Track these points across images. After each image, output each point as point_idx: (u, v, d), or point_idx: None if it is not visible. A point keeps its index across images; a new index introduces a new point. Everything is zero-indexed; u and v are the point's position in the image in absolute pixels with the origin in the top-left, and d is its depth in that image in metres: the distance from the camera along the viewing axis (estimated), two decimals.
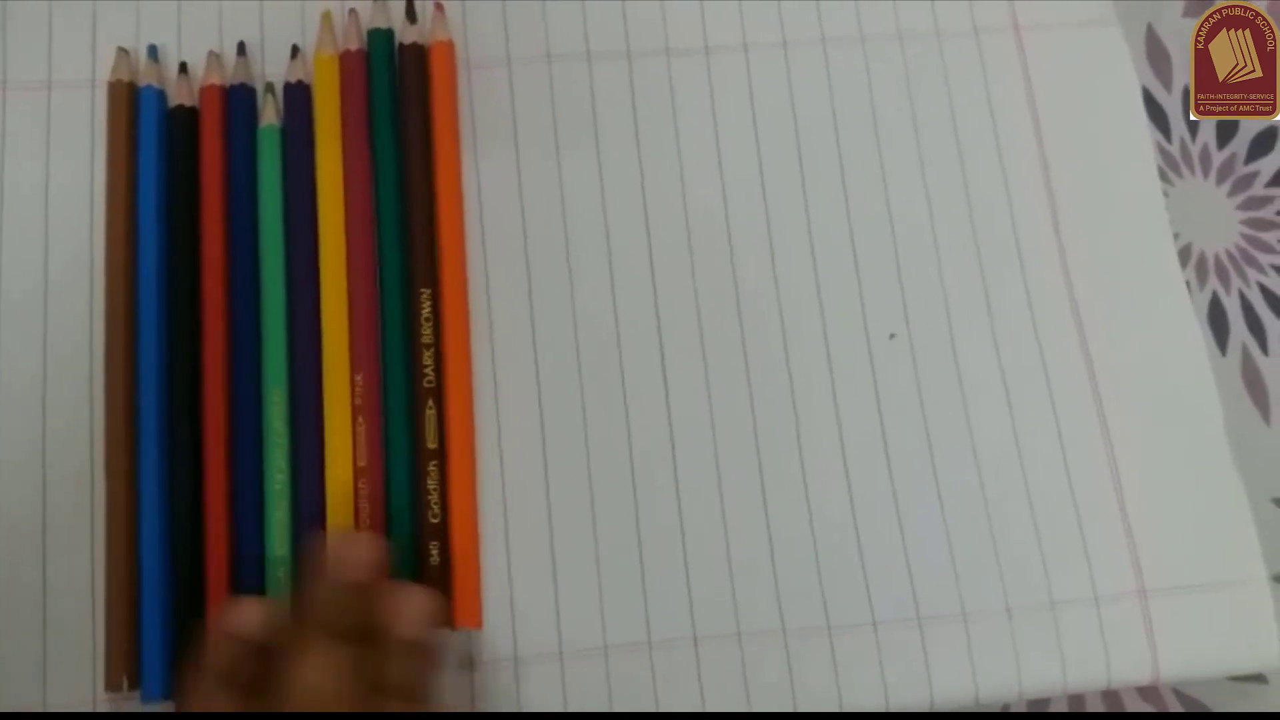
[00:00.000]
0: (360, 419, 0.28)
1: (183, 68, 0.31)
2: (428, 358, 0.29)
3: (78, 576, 0.27)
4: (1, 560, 0.28)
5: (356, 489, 0.28)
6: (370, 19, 0.31)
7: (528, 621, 0.28)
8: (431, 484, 0.28)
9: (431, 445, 0.28)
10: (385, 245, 0.30)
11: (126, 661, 0.27)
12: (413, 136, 0.30)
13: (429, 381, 0.29)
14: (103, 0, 0.32)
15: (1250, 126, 0.33)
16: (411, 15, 0.32)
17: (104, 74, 0.31)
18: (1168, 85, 0.34)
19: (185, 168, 0.30)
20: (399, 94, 0.31)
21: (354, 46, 0.31)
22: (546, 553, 0.28)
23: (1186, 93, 0.34)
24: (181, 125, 0.30)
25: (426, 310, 0.29)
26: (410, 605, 0.24)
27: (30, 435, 0.28)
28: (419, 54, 0.31)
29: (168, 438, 0.28)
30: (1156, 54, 0.34)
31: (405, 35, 0.31)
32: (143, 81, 0.31)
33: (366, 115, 0.30)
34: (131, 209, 0.30)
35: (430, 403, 0.29)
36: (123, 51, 0.31)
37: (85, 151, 0.31)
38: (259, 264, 0.29)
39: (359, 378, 0.28)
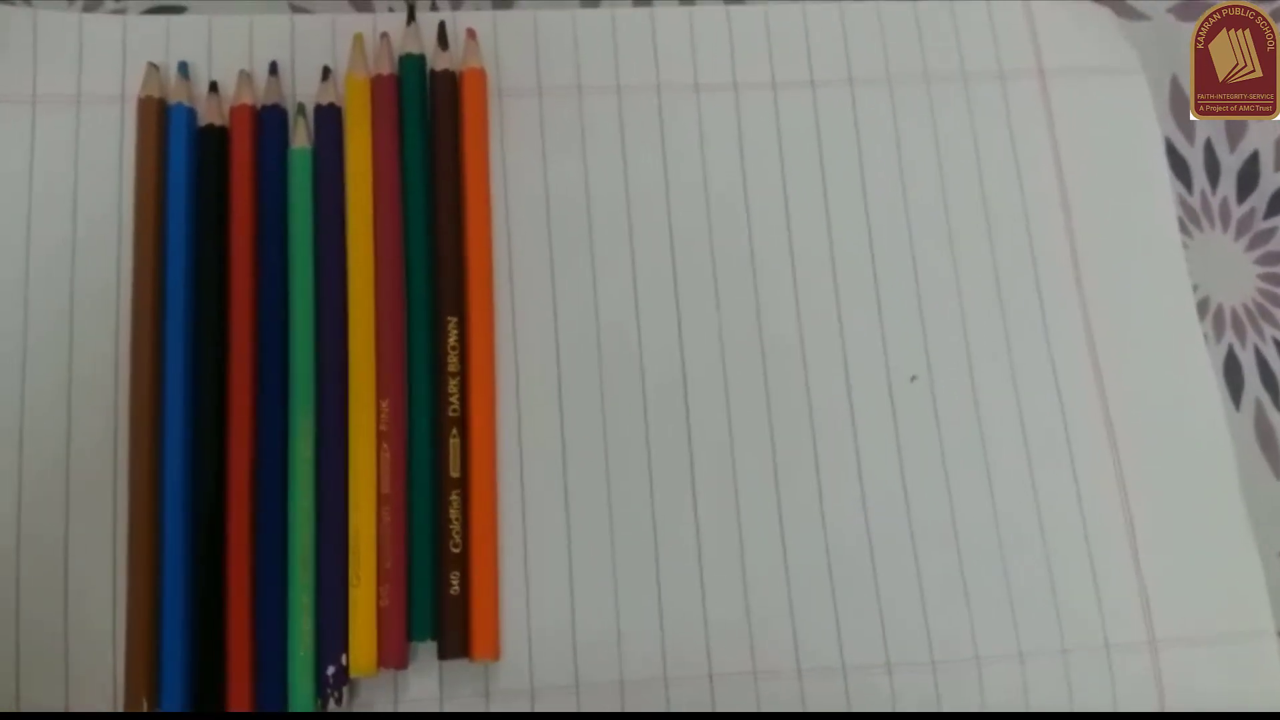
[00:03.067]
0: (385, 445, 0.28)
1: (213, 86, 0.31)
2: (453, 386, 0.29)
3: (100, 597, 0.28)
4: (25, 579, 0.28)
5: (379, 516, 0.28)
6: (402, 44, 0.31)
7: (545, 653, 0.28)
8: (453, 513, 0.28)
9: (455, 474, 0.28)
10: (413, 272, 0.30)
11: (146, 682, 0.27)
12: (443, 164, 0.31)
13: (454, 410, 0.29)
14: (133, 15, 0.32)
15: (1270, 181, 0.34)
16: (444, 42, 0.32)
17: (133, 89, 0.31)
18: (1190, 137, 0.34)
19: (215, 189, 0.30)
20: (430, 121, 0.31)
21: (386, 71, 0.31)
22: (565, 585, 0.29)
23: (1209, 145, 0.34)
24: (211, 145, 0.30)
25: (453, 339, 0.29)
26: None
27: (55, 454, 0.28)
28: (451, 81, 0.31)
29: (192, 459, 0.28)
30: (1180, 105, 0.34)
31: (437, 62, 0.31)
32: (173, 99, 0.31)
33: (397, 140, 0.31)
34: (160, 228, 0.30)
35: (454, 431, 0.29)
36: (153, 67, 0.31)
37: (114, 167, 0.31)
38: (287, 288, 0.29)
39: (385, 404, 0.29)
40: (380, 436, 0.28)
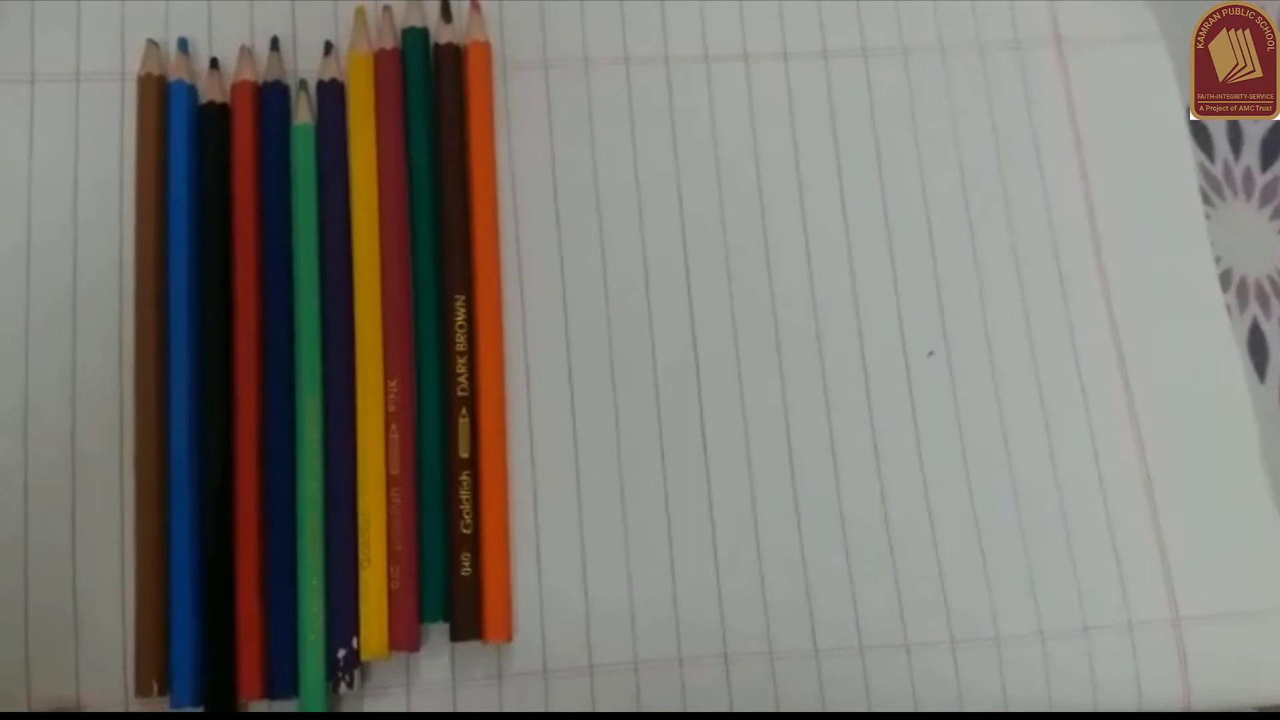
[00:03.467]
0: (393, 426, 0.28)
1: (214, 63, 0.31)
2: (461, 365, 0.28)
3: (109, 582, 0.27)
4: (33, 568, 0.27)
5: (389, 497, 0.28)
6: (404, 17, 0.31)
7: (557, 634, 0.28)
8: (464, 494, 0.28)
9: (464, 455, 0.28)
10: (420, 250, 0.29)
11: (157, 667, 0.26)
12: (448, 139, 0.30)
13: (463, 390, 0.28)
14: None
15: None
16: (447, 14, 0.31)
17: (133, 67, 0.30)
18: None
19: (217, 167, 0.29)
20: (434, 95, 0.30)
21: (389, 45, 0.30)
22: (577, 565, 0.28)
23: None
24: (213, 123, 0.30)
25: (461, 317, 0.29)
26: None
27: (60, 438, 0.28)
28: (455, 54, 0.31)
29: (199, 442, 0.28)
30: None
31: (440, 35, 0.31)
32: (173, 76, 0.30)
33: (401, 115, 0.30)
34: (162, 208, 0.29)
35: (464, 411, 0.28)
36: (152, 44, 0.30)
37: (114, 146, 0.30)
38: (292, 266, 0.29)
39: (393, 384, 0.28)
40: (389, 417, 0.28)
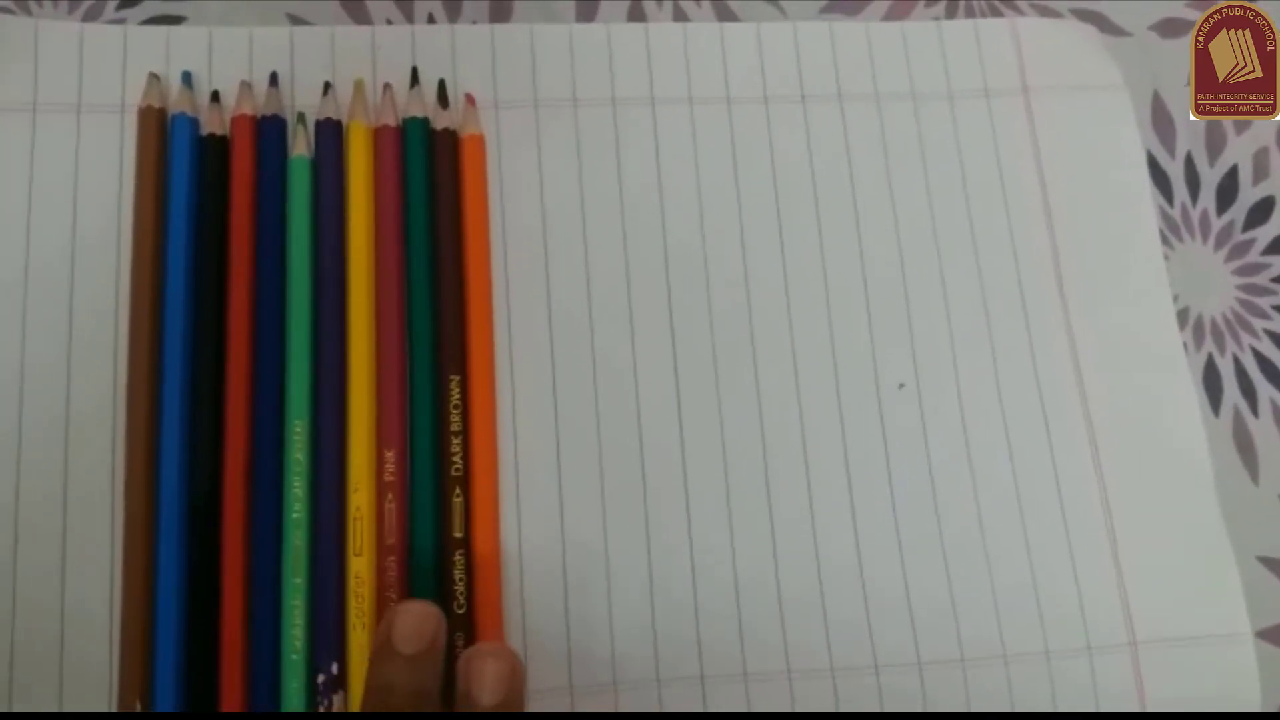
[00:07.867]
0: (390, 495, 0.28)
1: (215, 96, 0.31)
2: (456, 445, 0.29)
3: (94, 599, 0.28)
4: (21, 584, 0.28)
5: (383, 566, 0.28)
6: (406, 108, 0.31)
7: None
8: (458, 574, 0.28)
9: (458, 534, 0.28)
10: (416, 329, 0.30)
11: (140, 684, 0.27)
12: (444, 224, 0.31)
13: (457, 469, 0.29)
14: (134, 25, 0.32)
15: (1249, 194, 0.35)
16: (444, 102, 0.32)
17: (134, 99, 0.31)
18: (1171, 150, 0.35)
19: (215, 197, 0.30)
20: (432, 181, 0.31)
21: (389, 123, 0.31)
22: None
23: (1189, 158, 0.35)
24: (212, 154, 0.31)
25: (456, 397, 0.29)
26: (489, 671, 0.24)
27: (52, 458, 0.29)
28: (452, 140, 0.31)
29: (188, 466, 0.28)
30: (1161, 119, 0.35)
31: (438, 120, 0.31)
32: (174, 108, 0.31)
33: (399, 196, 0.31)
34: (160, 237, 0.30)
35: (458, 490, 0.29)
36: (154, 77, 0.31)
37: (113, 176, 0.31)
38: (285, 299, 0.30)
39: (390, 454, 0.29)
40: (385, 486, 0.28)
